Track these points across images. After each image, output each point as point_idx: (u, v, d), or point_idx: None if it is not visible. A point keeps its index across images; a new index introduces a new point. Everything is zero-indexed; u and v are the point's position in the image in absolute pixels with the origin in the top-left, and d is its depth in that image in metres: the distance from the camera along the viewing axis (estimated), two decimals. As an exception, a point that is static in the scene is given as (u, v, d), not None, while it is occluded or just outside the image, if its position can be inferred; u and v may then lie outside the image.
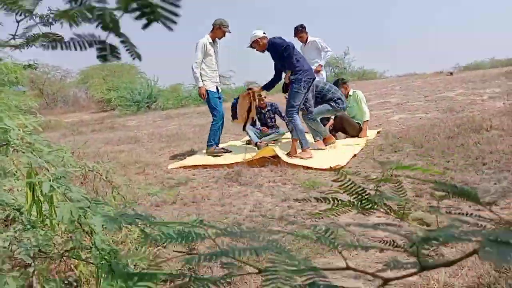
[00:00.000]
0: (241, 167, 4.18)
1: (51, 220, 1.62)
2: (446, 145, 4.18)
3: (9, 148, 1.70)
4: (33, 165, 1.61)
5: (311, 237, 0.63)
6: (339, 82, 5.52)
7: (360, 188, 0.72)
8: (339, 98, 5.00)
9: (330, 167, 3.94)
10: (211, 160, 4.67)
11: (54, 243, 1.75)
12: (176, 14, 0.48)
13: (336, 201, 0.75)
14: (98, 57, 0.60)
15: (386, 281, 0.49)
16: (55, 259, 1.58)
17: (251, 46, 4.68)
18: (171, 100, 15.69)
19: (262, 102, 5.40)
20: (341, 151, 4.58)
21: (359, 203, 0.73)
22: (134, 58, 0.61)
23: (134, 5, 0.48)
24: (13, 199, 1.88)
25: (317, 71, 5.61)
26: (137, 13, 0.48)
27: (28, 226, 1.76)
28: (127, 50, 0.59)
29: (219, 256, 0.58)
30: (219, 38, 5.07)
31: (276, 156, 4.40)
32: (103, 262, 1.45)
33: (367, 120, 5.45)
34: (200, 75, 4.90)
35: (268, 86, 4.94)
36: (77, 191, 1.48)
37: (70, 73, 22.47)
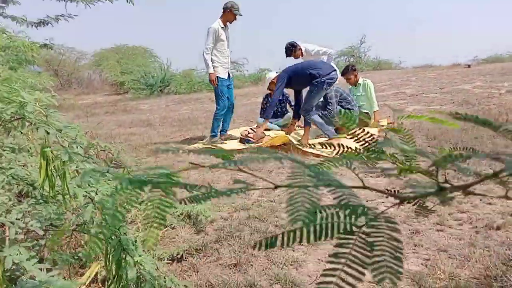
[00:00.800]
0: (249, 153, 4.19)
1: (63, 195, 1.65)
2: (459, 137, 4.12)
3: (25, 122, 1.74)
4: (48, 138, 1.63)
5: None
6: (349, 69, 5.43)
7: (369, 135, 0.69)
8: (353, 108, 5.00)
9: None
10: (222, 146, 4.68)
11: (65, 219, 1.79)
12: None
13: (341, 147, 0.72)
14: None
15: (403, 200, 0.47)
16: (66, 233, 1.62)
17: (269, 88, 5.34)
18: (184, 85, 15.71)
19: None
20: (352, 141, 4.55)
21: (366, 151, 0.70)
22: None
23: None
24: (27, 174, 1.92)
25: None
26: None
27: (41, 201, 1.80)
28: None
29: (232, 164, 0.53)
30: (230, 22, 4.97)
31: (287, 144, 4.41)
32: (112, 237, 1.48)
33: (377, 110, 5.38)
34: (212, 61, 4.85)
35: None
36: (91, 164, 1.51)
37: (84, 54, 22.60)
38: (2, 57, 3.14)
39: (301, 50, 5.44)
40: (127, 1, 3.53)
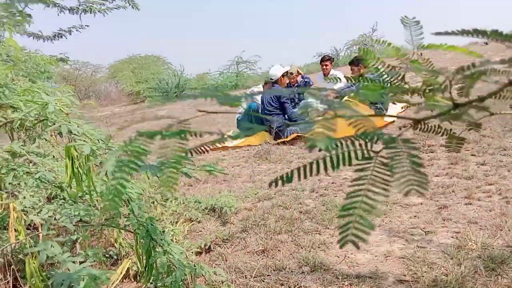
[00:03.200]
0: (269, 145, 4.19)
1: (90, 192, 1.69)
2: (478, 117, 4.01)
3: (47, 123, 1.79)
4: (71, 138, 1.68)
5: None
6: (354, 61, 5.25)
7: (389, 66, 0.70)
8: None
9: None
10: (241, 141, 4.70)
11: (94, 215, 1.84)
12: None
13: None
14: None
15: (417, 122, 0.48)
16: (96, 228, 1.66)
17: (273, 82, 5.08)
18: (199, 89, 15.86)
19: (293, 80, 5.37)
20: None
21: (389, 83, 0.71)
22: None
23: None
24: (54, 177, 1.98)
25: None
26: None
27: (70, 201, 1.85)
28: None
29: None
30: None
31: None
32: (140, 228, 1.51)
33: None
34: None
35: None
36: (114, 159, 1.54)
37: (100, 68, 23.07)
38: (23, 70, 3.25)
39: (331, 70, 5.63)
40: (132, 7, 3.60)
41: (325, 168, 0.42)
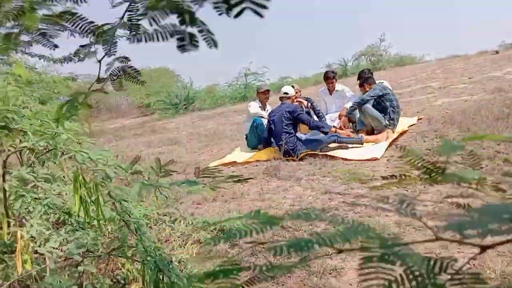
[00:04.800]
0: (279, 162, 4.16)
1: (98, 220, 1.68)
2: (495, 127, 3.94)
3: (57, 153, 1.79)
4: (79, 166, 1.67)
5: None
6: (361, 84, 5.08)
7: (428, 161, 0.68)
8: None
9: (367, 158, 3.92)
10: (249, 156, 4.68)
11: (102, 243, 1.82)
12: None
13: (404, 177, 0.71)
14: (178, 47, 0.59)
15: (484, 248, 0.44)
16: (103, 258, 1.64)
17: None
18: (208, 101, 15.94)
19: (298, 100, 5.28)
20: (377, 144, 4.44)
21: (429, 176, 0.68)
22: (211, 47, 0.60)
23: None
24: (63, 202, 1.97)
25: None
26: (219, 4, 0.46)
27: (77, 227, 1.84)
28: (204, 39, 0.58)
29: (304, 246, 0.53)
30: (266, 101, 5.44)
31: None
32: (148, 259, 1.49)
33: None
34: None
35: None
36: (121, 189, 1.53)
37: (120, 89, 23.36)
38: (33, 92, 3.29)
39: (335, 86, 5.66)
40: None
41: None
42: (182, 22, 0.54)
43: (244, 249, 2.26)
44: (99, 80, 1.00)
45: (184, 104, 15.40)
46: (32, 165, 2.15)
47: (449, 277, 0.40)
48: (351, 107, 4.94)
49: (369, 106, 4.69)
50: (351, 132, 4.84)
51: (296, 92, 5.38)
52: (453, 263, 0.42)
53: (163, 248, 1.61)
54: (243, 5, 0.44)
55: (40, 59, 3.76)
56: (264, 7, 0.43)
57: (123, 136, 9.96)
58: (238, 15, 0.44)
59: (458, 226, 0.44)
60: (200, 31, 0.57)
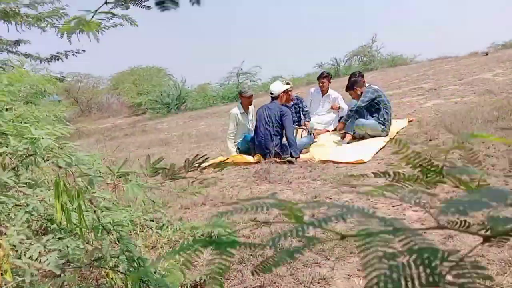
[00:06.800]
0: (269, 164, 4.13)
1: (80, 228, 1.63)
2: (485, 130, 3.95)
3: (38, 158, 1.73)
4: (61, 172, 1.62)
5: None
6: (349, 87, 5.06)
7: (426, 159, 0.64)
8: None
9: (352, 162, 3.93)
10: (241, 157, 4.63)
11: (86, 250, 1.77)
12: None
13: (397, 175, 0.67)
14: (156, 4, 0.55)
15: (486, 239, 0.42)
16: (84, 269, 1.59)
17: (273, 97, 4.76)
18: (200, 100, 15.87)
19: (290, 96, 5.29)
20: (368, 145, 4.44)
21: (425, 176, 0.65)
22: (193, 4, 0.55)
23: None
24: (45, 209, 1.91)
25: (337, 108, 5.55)
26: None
27: (60, 235, 1.79)
28: None
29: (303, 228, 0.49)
30: (249, 105, 5.03)
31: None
32: (131, 269, 1.45)
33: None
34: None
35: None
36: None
37: (101, 79, 23.16)
38: (19, 92, 3.22)
39: (328, 88, 5.66)
40: (130, 23, 3.58)
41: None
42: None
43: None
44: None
45: (176, 104, 15.31)
46: (16, 168, 2.09)
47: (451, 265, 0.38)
48: (348, 115, 4.93)
49: (363, 120, 4.75)
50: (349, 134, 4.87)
51: (289, 90, 5.31)
52: (455, 252, 0.40)
53: (146, 259, 1.57)
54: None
55: (27, 58, 3.66)
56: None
57: (114, 136, 9.86)
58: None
59: (458, 207, 0.41)
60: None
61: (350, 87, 4.99)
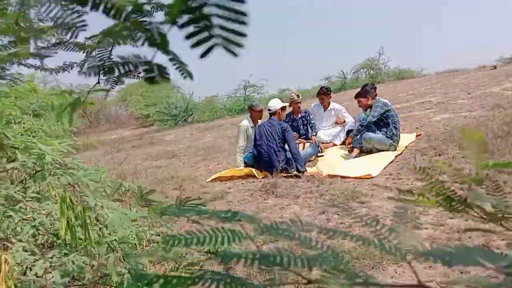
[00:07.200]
0: (276, 178, 4.10)
1: (85, 245, 1.62)
2: (495, 145, 3.90)
3: (45, 173, 1.74)
4: (67, 187, 1.62)
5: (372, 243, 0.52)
6: (361, 93, 5.05)
7: (449, 189, 0.62)
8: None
9: (360, 176, 3.89)
10: (249, 171, 4.61)
11: (91, 266, 1.76)
12: (242, 34, 0.38)
13: (420, 197, 0.66)
14: (145, 79, 0.54)
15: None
16: (89, 286, 1.57)
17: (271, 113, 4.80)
18: (207, 113, 15.93)
19: (298, 108, 5.37)
20: (376, 160, 4.40)
21: (448, 204, 0.63)
22: (185, 77, 0.54)
23: (185, 18, 0.39)
24: (51, 224, 1.91)
25: (341, 122, 5.57)
26: (191, 30, 0.39)
27: (66, 250, 1.78)
28: (176, 68, 0.53)
29: (265, 259, 0.46)
30: (259, 119, 5.07)
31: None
32: (135, 288, 1.43)
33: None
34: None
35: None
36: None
37: (110, 91, 23.39)
38: (30, 105, 3.25)
39: (329, 102, 5.68)
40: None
41: None
42: (151, 43, 0.49)
43: (238, 273, 2.19)
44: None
45: (184, 116, 15.38)
46: (24, 181, 2.09)
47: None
48: (358, 129, 4.90)
49: (370, 134, 4.73)
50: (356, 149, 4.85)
51: (298, 102, 5.39)
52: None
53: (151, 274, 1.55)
54: (213, 42, 0.39)
55: (36, 69, 3.71)
56: (239, 45, 0.39)
57: (121, 148, 9.91)
58: (205, 54, 0.39)
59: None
60: (171, 60, 0.52)
61: (362, 94, 4.99)
